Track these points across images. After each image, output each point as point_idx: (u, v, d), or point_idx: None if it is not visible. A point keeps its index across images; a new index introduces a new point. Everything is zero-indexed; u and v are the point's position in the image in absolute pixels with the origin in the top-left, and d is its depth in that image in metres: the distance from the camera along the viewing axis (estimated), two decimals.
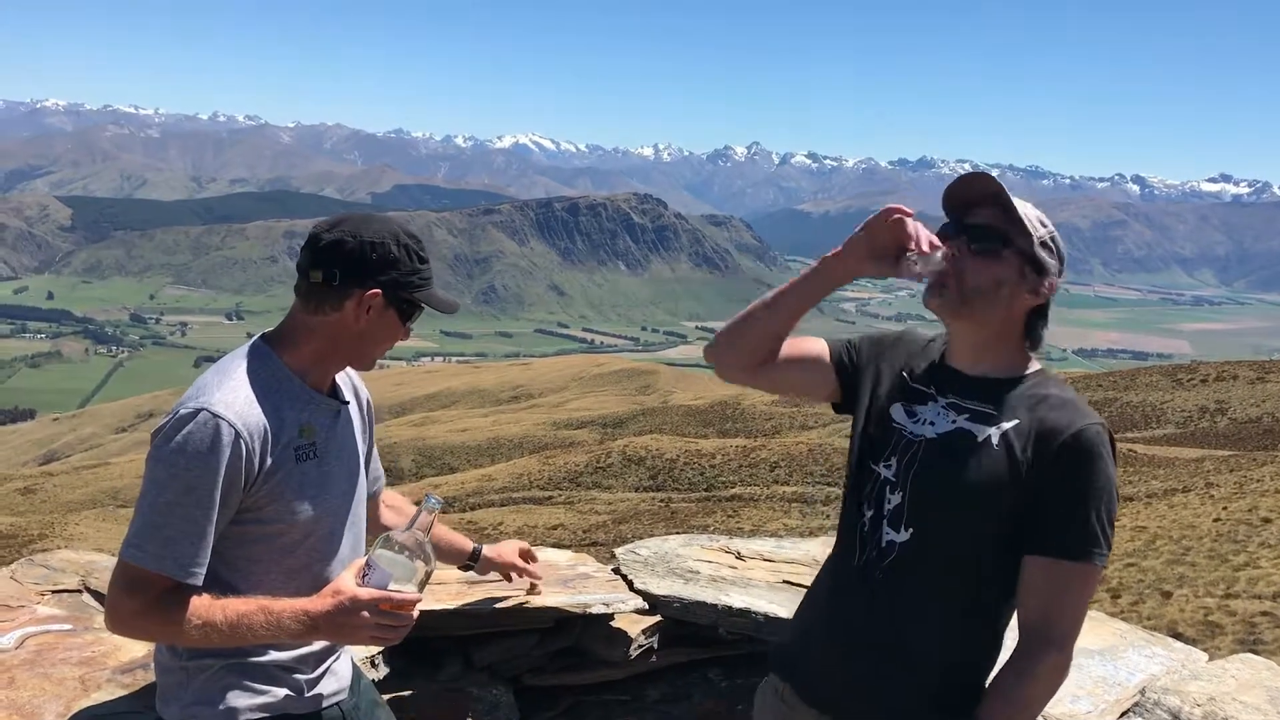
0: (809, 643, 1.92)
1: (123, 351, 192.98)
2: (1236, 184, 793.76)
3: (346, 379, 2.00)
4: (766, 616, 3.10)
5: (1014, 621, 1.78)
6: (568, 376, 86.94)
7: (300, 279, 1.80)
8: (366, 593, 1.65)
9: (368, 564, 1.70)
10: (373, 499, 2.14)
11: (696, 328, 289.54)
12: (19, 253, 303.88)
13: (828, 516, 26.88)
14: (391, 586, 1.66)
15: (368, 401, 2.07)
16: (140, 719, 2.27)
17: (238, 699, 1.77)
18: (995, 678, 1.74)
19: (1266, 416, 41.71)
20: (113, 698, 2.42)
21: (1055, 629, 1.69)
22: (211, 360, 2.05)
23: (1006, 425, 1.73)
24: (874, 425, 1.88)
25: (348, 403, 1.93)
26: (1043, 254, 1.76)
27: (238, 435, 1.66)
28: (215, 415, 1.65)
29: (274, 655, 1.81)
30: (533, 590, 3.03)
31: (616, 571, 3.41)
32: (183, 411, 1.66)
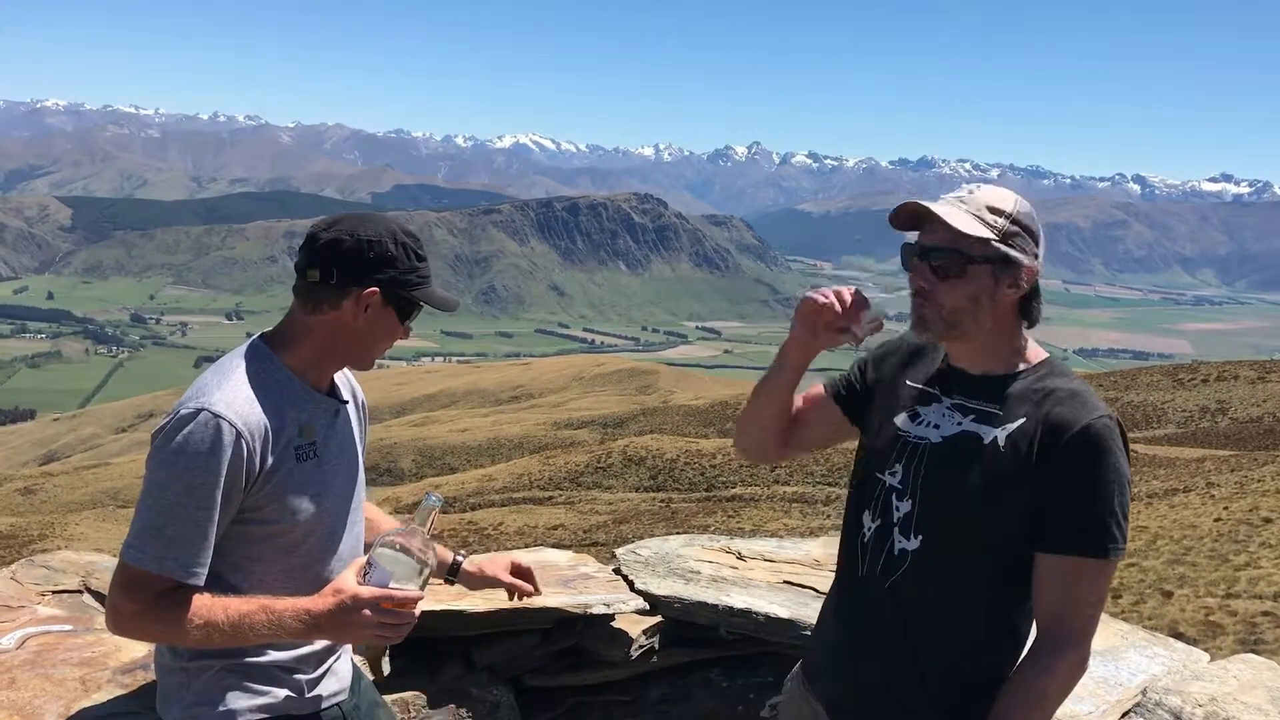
0: (827, 654, 1.92)
1: (123, 352, 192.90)
2: (1238, 184, 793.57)
3: (345, 379, 2.00)
4: (767, 617, 3.10)
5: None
6: (568, 376, 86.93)
7: (298, 279, 1.80)
8: (368, 591, 1.65)
9: (369, 562, 1.69)
10: None
11: (697, 328, 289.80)
12: (19, 253, 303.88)
13: (828, 516, 26.88)
14: (392, 585, 1.66)
15: (363, 403, 2.07)
16: (141, 719, 2.27)
17: (238, 700, 1.77)
18: (1013, 674, 1.73)
19: (1267, 416, 41.70)
20: (113, 698, 2.43)
21: (1073, 625, 1.67)
22: (211, 360, 2.05)
23: (1012, 425, 1.70)
24: (878, 435, 1.86)
25: (347, 402, 1.92)
26: (1008, 249, 1.69)
27: (239, 435, 1.66)
28: (216, 415, 1.65)
29: (274, 656, 1.80)
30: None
31: (617, 572, 3.41)
32: (183, 412, 1.66)
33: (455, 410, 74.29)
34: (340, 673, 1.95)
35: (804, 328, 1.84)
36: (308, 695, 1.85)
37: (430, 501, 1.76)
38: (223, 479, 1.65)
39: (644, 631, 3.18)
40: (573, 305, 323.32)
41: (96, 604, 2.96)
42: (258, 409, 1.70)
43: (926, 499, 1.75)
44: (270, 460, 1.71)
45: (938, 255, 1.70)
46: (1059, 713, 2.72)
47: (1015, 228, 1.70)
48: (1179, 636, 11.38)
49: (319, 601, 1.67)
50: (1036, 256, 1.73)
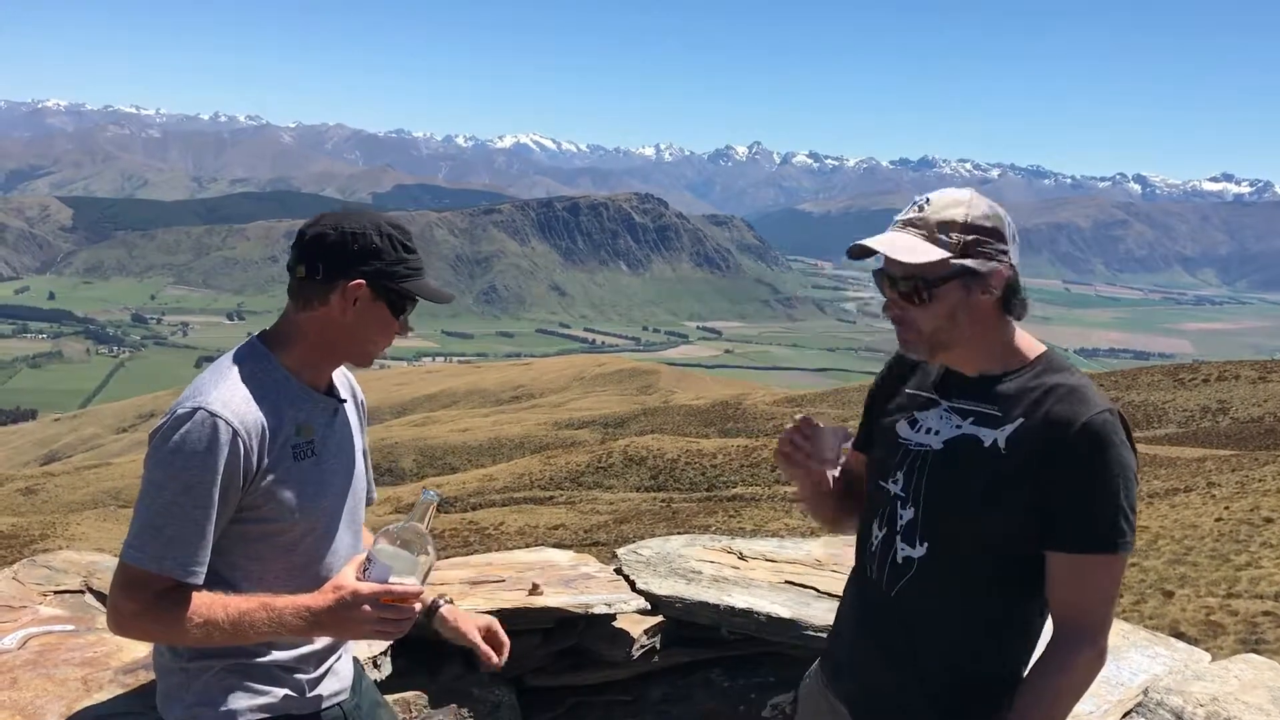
0: (844, 654, 1.93)
1: (124, 352, 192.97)
2: (1239, 183, 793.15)
3: (344, 379, 2.00)
4: (769, 617, 3.10)
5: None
6: (569, 376, 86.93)
7: (290, 278, 1.80)
8: (367, 587, 1.65)
9: (368, 559, 1.69)
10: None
11: (698, 327, 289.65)
12: (20, 253, 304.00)
13: None
14: (392, 580, 1.66)
15: (363, 403, 2.07)
16: (143, 719, 2.27)
17: (239, 700, 1.77)
18: (1030, 672, 1.72)
19: (1268, 416, 41.65)
20: (115, 698, 2.43)
21: (1087, 621, 1.66)
22: (212, 360, 2.05)
23: (1011, 426, 1.69)
24: (882, 445, 1.87)
25: (345, 401, 1.92)
26: (972, 262, 1.67)
27: (235, 434, 1.66)
28: (212, 414, 1.65)
29: (275, 655, 1.80)
30: (534, 591, 3.04)
31: (619, 572, 3.41)
32: (180, 411, 1.66)
33: (456, 410, 74.30)
34: (341, 672, 1.94)
35: (793, 473, 1.90)
36: (308, 695, 1.85)
37: (427, 497, 1.75)
38: (219, 477, 1.65)
39: (645, 631, 3.18)
40: (573, 305, 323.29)
41: (98, 604, 2.96)
42: (254, 408, 1.70)
43: (928, 505, 1.74)
44: (267, 459, 1.72)
45: (903, 284, 1.70)
46: None
47: (972, 235, 1.67)
48: (1180, 636, 11.37)
49: (319, 598, 1.67)
50: (1005, 254, 1.69)
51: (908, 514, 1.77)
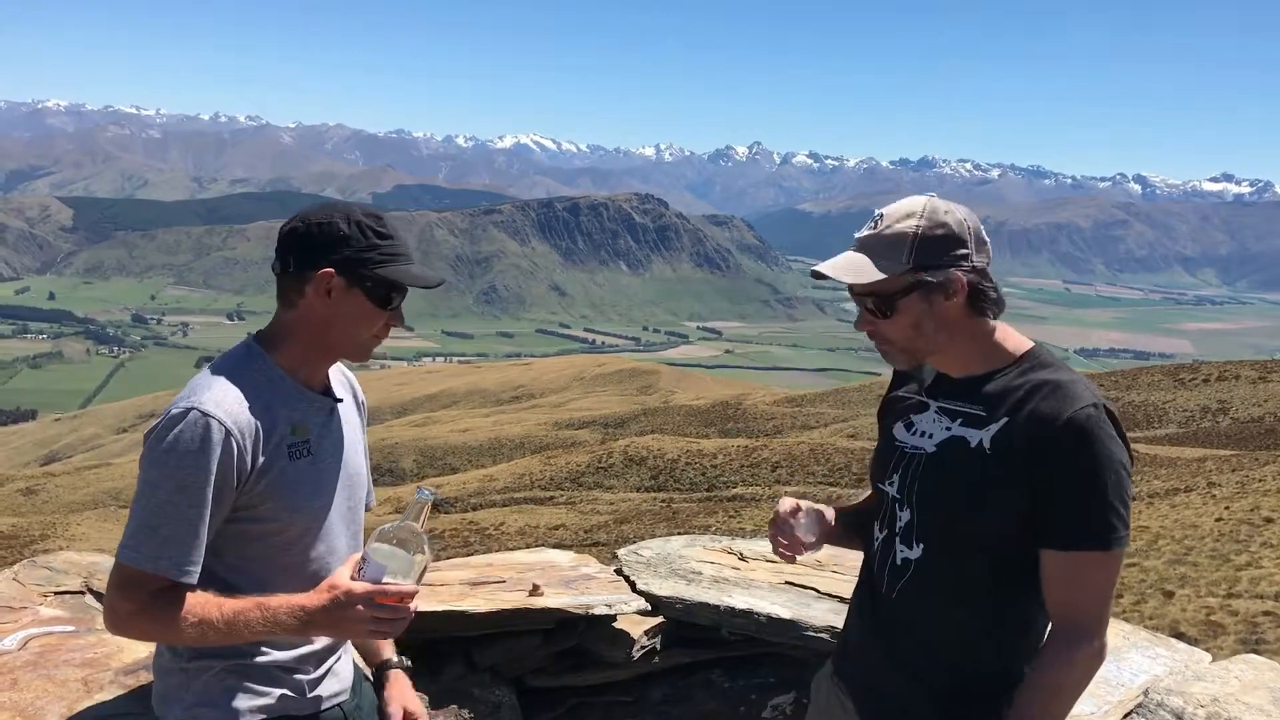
0: (851, 653, 1.96)
1: (124, 352, 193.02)
2: (1239, 183, 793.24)
3: (344, 379, 2.00)
4: (769, 617, 3.10)
5: None
6: (569, 376, 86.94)
7: (276, 278, 1.81)
8: (361, 586, 1.64)
9: (363, 558, 1.69)
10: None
11: (698, 328, 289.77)
12: (20, 253, 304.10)
13: None
14: (387, 579, 1.65)
15: (362, 402, 2.06)
16: None
17: (238, 700, 1.77)
18: (1030, 670, 1.72)
19: (1269, 416, 41.65)
20: (116, 698, 2.43)
21: (1084, 619, 1.66)
22: (211, 361, 2.04)
23: (995, 426, 1.69)
24: (882, 448, 1.90)
25: (341, 400, 1.91)
26: (927, 275, 1.68)
27: (228, 433, 1.66)
28: (205, 414, 1.65)
29: (274, 656, 1.80)
30: (535, 591, 3.04)
31: (619, 573, 3.41)
32: (173, 412, 1.67)
33: (456, 410, 74.31)
34: (341, 673, 1.94)
35: (782, 557, 2.00)
36: (308, 695, 1.85)
37: (422, 496, 1.74)
38: (213, 477, 1.65)
39: (646, 632, 3.18)
40: (574, 305, 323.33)
41: (98, 605, 2.96)
42: (248, 408, 1.70)
43: (922, 508, 1.76)
44: (262, 459, 1.72)
45: (868, 300, 1.73)
46: None
47: (926, 247, 1.68)
48: (1180, 636, 11.38)
49: (313, 598, 1.67)
50: (964, 259, 1.69)
51: (904, 516, 1.79)
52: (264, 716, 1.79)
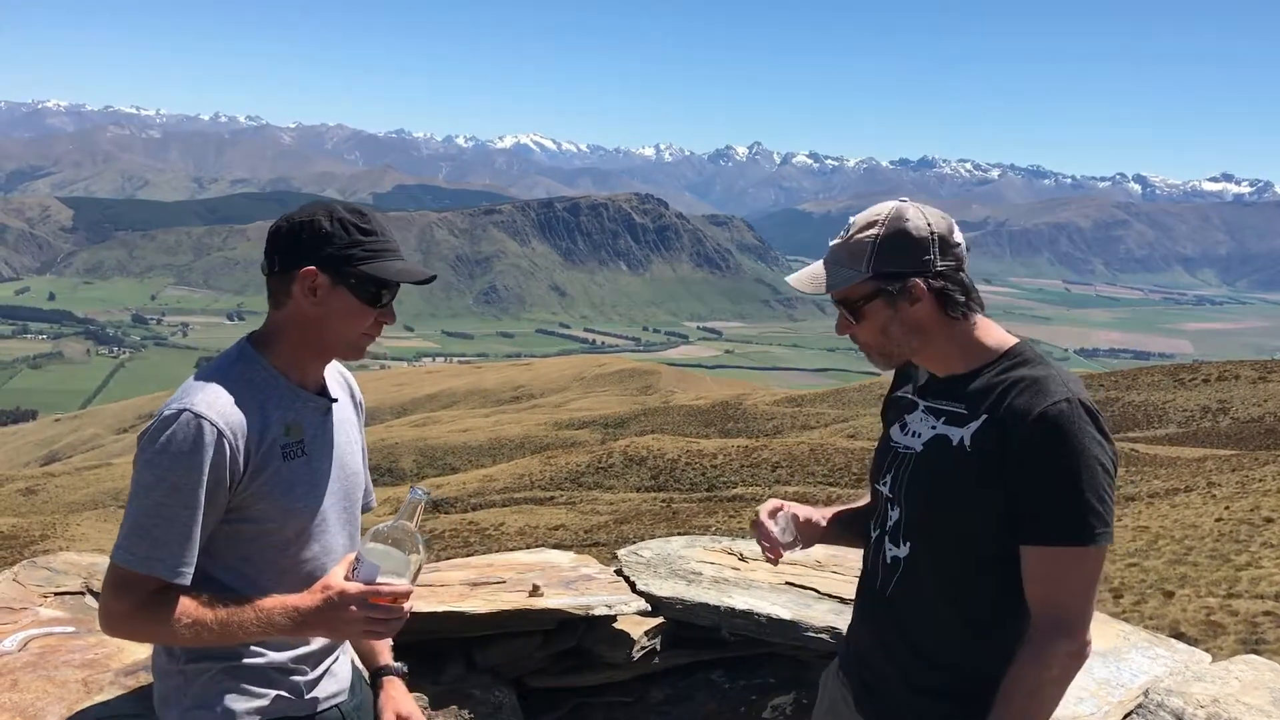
0: (851, 650, 1.99)
1: (124, 352, 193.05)
2: (1239, 183, 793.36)
3: (340, 378, 2.00)
4: (769, 618, 3.10)
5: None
6: (569, 377, 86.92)
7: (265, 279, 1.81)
8: (355, 587, 1.65)
9: (357, 558, 1.69)
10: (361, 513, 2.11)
11: (698, 328, 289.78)
12: (20, 253, 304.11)
13: None
14: (381, 579, 1.65)
15: (360, 403, 2.06)
16: None
17: (236, 702, 1.77)
18: (1010, 668, 1.71)
19: (1268, 416, 41.64)
20: (115, 699, 2.43)
21: (1064, 615, 1.66)
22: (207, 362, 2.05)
23: (975, 424, 1.71)
24: (879, 448, 1.93)
25: (336, 400, 1.91)
26: (886, 283, 1.72)
27: (220, 435, 1.66)
28: (197, 415, 1.65)
29: (272, 657, 1.80)
30: (535, 592, 3.03)
31: (619, 573, 3.41)
32: (166, 413, 1.67)
33: (456, 410, 74.29)
34: (339, 674, 1.94)
35: (767, 557, 2.05)
36: (305, 697, 1.85)
37: (415, 496, 1.73)
38: (206, 478, 1.65)
39: (646, 633, 3.18)
40: (574, 305, 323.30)
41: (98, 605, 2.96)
42: (241, 409, 1.70)
43: (909, 506, 1.79)
44: (255, 460, 1.72)
45: (840, 306, 1.79)
46: (1062, 715, 2.72)
47: (885, 254, 1.71)
48: (1180, 636, 11.37)
49: (307, 598, 1.67)
50: (926, 263, 1.72)
51: (895, 514, 1.82)
52: (260, 718, 1.79)
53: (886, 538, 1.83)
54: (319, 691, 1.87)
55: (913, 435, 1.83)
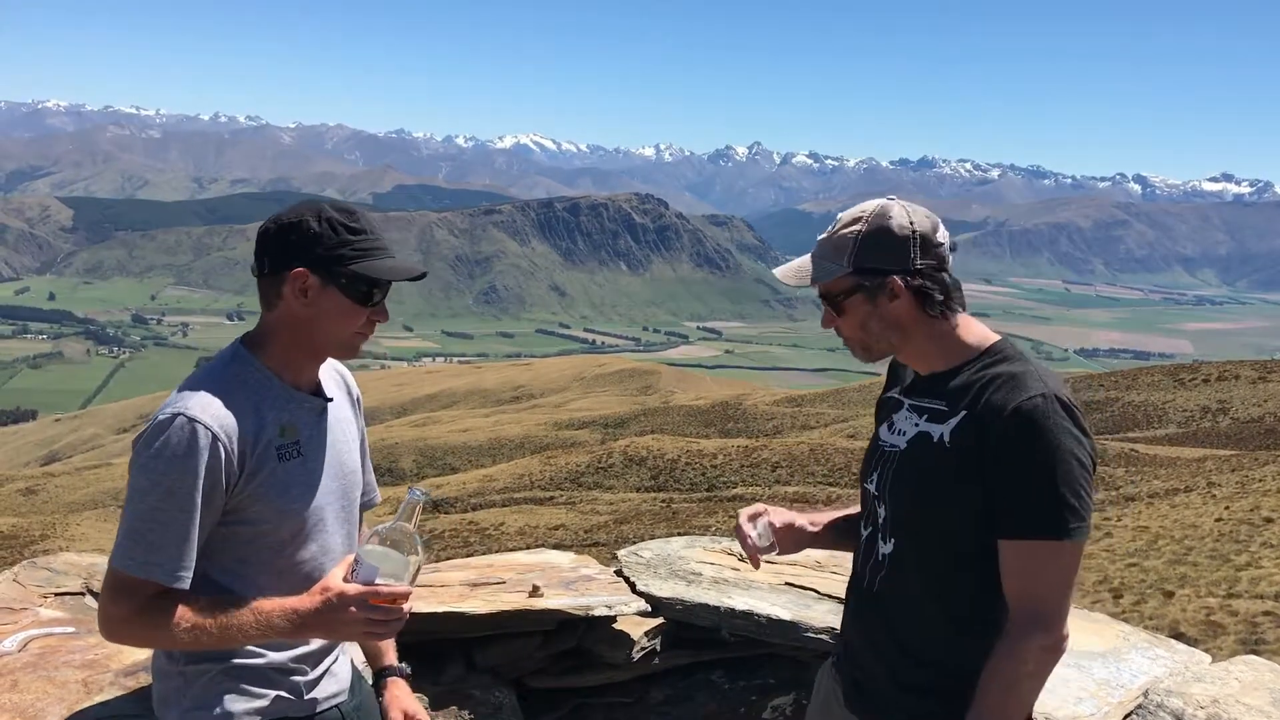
0: (842, 647, 2.01)
1: (124, 352, 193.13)
2: (1239, 183, 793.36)
3: (338, 377, 2.00)
4: (769, 619, 3.10)
5: None
6: (569, 377, 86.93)
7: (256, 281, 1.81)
8: (353, 588, 1.65)
9: (356, 560, 1.69)
10: (363, 512, 2.10)
11: (698, 328, 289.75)
12: (20, 253, 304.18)
13: None
14: (379, 580, 1.65)
15: (358, 399, 2.05)
16: None
17: (235, 703, 1.77)
18: (987, 662, 1.72)
19: (1268, 416, 41.65)
20: (115, 699, 2.43)
21: (1039, 609, 1.67)
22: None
23: (955, 420, 1.73)
24: (869, 448, 1.95)
25: (332, 400, 1.90)
26: (865, 279, 1.76)
27: (215, 438, 1.66)
28: (191, 419, 1.65)
29: (271, 658, 1.80)
30: (535, 593, 3.03)
31: (619, 574, 3.41)
32: (160, 417, 1.67)
33: (456, 410, 74.30)
34: (339, 674, 1.94)
35: (750, 560, 2.08)
36: (305, 697, 1.85)
37: (414, 496, 1.73)
38: (201, 482, 1.65)
39: (646, 633, 3.18)
40: (574, 305, 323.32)
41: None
42: (234, 411, 1.70)
43: (893, 503, 1.81)
44: (251, 462, 1.71)
45: (823, 300, 1.84)
46: (1063, 715, 2.72)
47: (865, 251, 1.75)
48: (1180, 636, 11.38)
49: (305, 600, 1.67)
50: (906, 261, 1.74)
51: (882, 512, 1.84)
52: (260, 718, 1.79)
53: (878, 535, 1.85)
54: (319, 692, 1.87)
55: (898, 434, 1.85)
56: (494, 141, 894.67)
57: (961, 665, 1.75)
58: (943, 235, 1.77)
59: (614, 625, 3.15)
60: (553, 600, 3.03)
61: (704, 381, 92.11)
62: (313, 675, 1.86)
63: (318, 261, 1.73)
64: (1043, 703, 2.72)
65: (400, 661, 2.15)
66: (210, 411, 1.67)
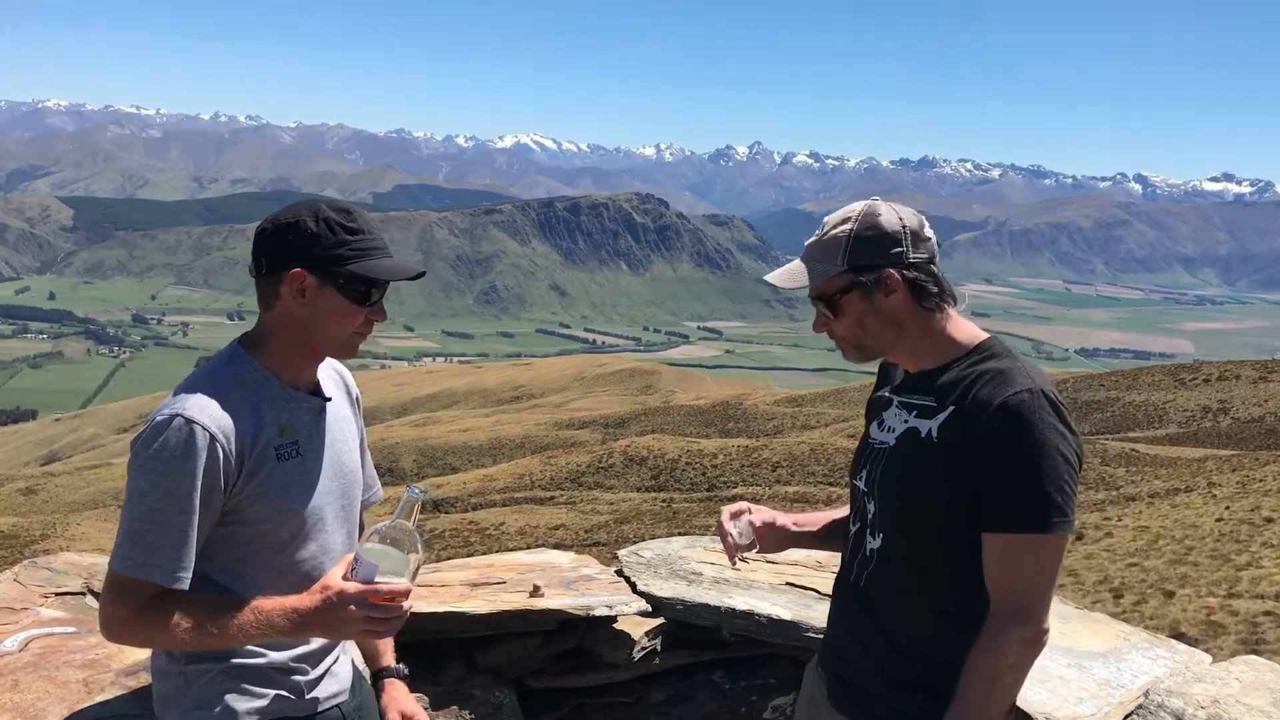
0: (827, 644, 2.03)
1: (124, 352, 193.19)
2: (1239, 183, 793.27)
3: (337, 376, 2.00)
4: (770, 618, 3.10)
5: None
6: (569, 376, 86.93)
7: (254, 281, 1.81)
8: (353, 587, 1.64)
9: (355, 558, 1.69)
10: (365, 509, 2.10)
11: (698, 328, 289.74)
12: (21, 253, 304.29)
13: None
14: (379, 579, 1.65)
15: (357, 398, 2.06)
16: None
17: (236, 702, 1.77)
18: (969, 655, 1.73)
19: (1269, 416, 41.64)
20: (116, 699, 2.43)
21: (1021, 602, 1.68)
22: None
23: (942, 416, 1.75)
24: (859, 446, 1.97)
25: (330, 399, 1.90)
26: (861, 275, 1.78)
27: (213, 439, 1.66)
28: (189, 420, 1.65)
29: (272, 657, 1.80)
30: (536, 593, 3.03)
31: (619, 574, 3.41)
32: (158, 419, 1.67)
33: (457, 410, 74.31)
34: (340, 673, 1.94)
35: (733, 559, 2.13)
36: (306, 696, 1.85)
37: (412, 495, 1.72)
38: (199, 482, 1.65)
39: (646, 633, 3.18)
40: (574, 305, 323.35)
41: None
42: (232, 411, 1.70)
43: (882, 499, 1.83)
44: (249, 462, 1.72)
45: (817, 302, 1.85)
46: (1063, 715, 2.72)
47: (858, 248, 1.77)
48: (1180, 636, 11.37)
49: (305, 599, 1.67)
50: (899, 255, 1.77)
51: (871, 508, 1.86)
52: (261, 718, 1.79)
53: (867, 531, 1.87)
54: (319, 691, 1.87)
55: (887, 431, 1.87)
56: (494, 141, 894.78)
57: (949, 660, 1.75)
58: (929, 231, 1.81)
59: (614, 625, 3.15)
60: (553, 600, 3.03)
61: (704, 381, 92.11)
62: (313, 675, 1.86)
63: (315, 261, 1.73)
64: (1043, 702, 2.72)
65: (400, 662, 2.15)
66: (208, 412, 1.67)
